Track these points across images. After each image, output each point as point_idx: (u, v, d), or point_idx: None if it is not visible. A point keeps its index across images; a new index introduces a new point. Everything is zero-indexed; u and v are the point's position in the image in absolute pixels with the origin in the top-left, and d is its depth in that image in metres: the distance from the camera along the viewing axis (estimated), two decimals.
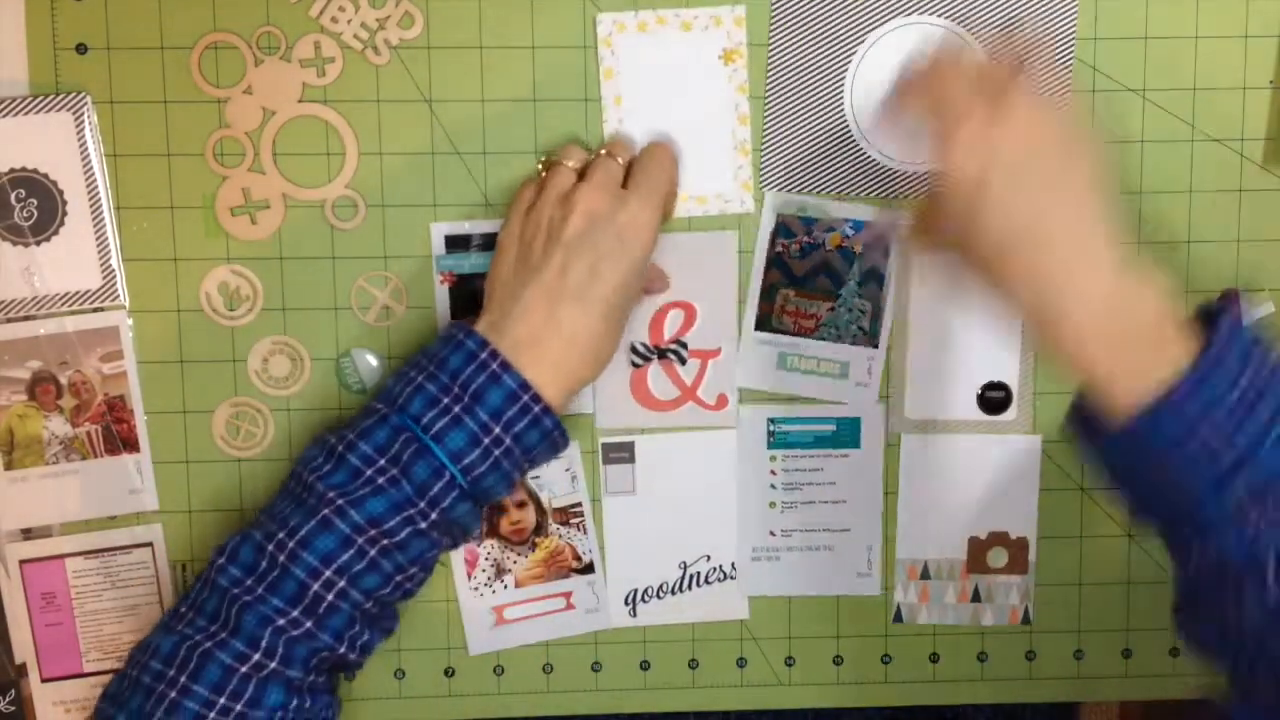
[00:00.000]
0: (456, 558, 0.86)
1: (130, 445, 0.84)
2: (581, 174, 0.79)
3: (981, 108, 0.69)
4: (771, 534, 0.87)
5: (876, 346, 0.86)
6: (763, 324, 0.85)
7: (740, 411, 0.86)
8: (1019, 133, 0.69)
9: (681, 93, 0.83)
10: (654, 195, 0.78)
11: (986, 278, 0.70)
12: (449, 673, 0.88)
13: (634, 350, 0.85)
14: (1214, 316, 0.67)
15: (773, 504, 0.87)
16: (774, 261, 0.85)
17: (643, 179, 0.79)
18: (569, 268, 0.75)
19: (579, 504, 0.86)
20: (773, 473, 0.87)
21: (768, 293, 0.85)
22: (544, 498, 0.86)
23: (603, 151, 0.80)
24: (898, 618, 0.88)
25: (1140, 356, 0.66)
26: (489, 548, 0.86)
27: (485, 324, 0.76)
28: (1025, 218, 0.68)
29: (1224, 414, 0.64)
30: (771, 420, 0.86)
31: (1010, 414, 0.86)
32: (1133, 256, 0.67)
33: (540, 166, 0.82)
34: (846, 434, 0.86)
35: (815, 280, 0.85)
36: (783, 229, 0.85)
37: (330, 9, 0.82)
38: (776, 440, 0.86)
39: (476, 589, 0.87)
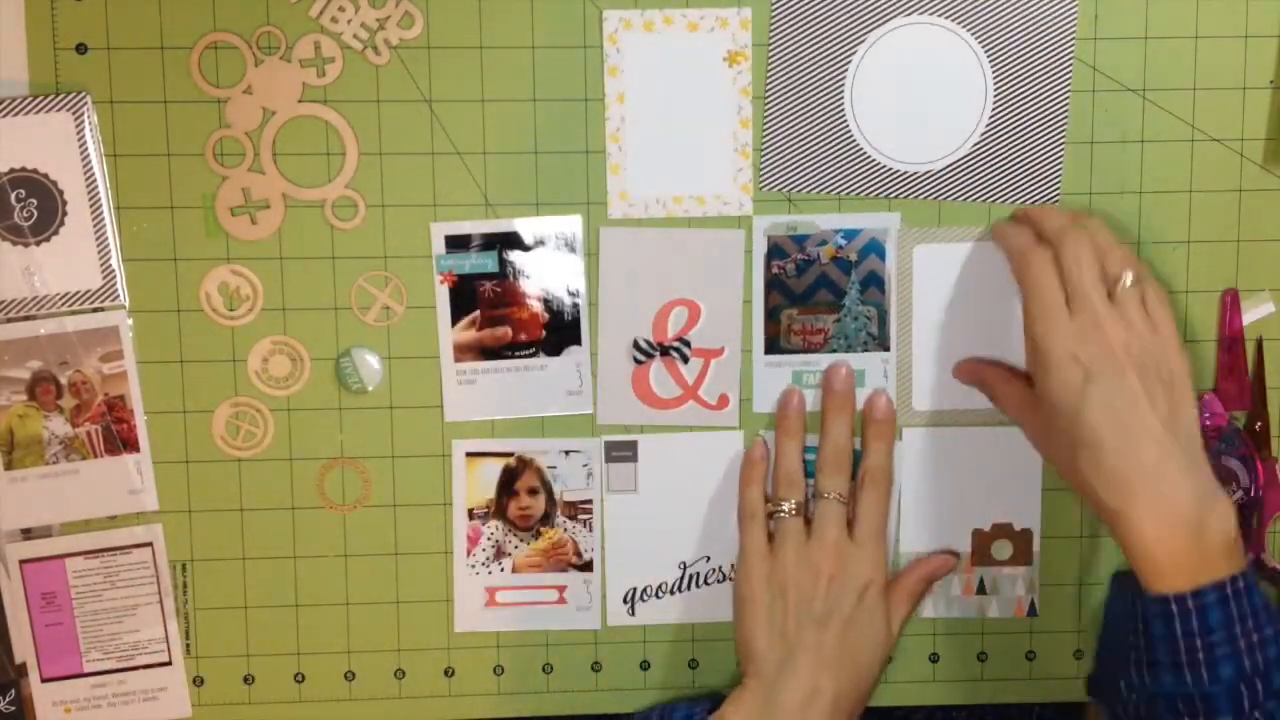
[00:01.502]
0: (459, 534, 0.86)
1: (130, 445, 0.84)
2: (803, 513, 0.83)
3: (1095, 296, 0.74)
4: None
5: (888, 349, 0.86)
6: (771, 347, 0.85)
7: (764, 435, 0.86)
8: (1130, 335, 0.74)
9: (685, 93, 0.83)
10: (881, 542, 0.83)
11: (1060, 465, 0.77)
12: (449, 673, 0.88)
13: (636, 347, 0.85)
14: None
15: None
16: (772, 284, 0.85)
17: (867, 523, 0.83)
18: (823, 642, 0.79)
19: (589, 501, 0.86)
20: None
21: (771, 315, 0.85)
22: (556, 489, 0.86)
23: (826, 494, 0.82)
24: None
25: (1199, 569, 0.71)
26: (493, 528, 0.86)
27: (755, 697, 0.80)
28: (1122, 427, 0.72)
29: (1261, 622, 0.72)
30: None
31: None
32: (1205, 477, 0.73)
33: (768, 509, 0.84)
34: None
35: (816, 295, 0.85)
36: (775, 250, 0.85)
37: (330, 9, 0.82)
38: None
39: (473, 566, 0.87)
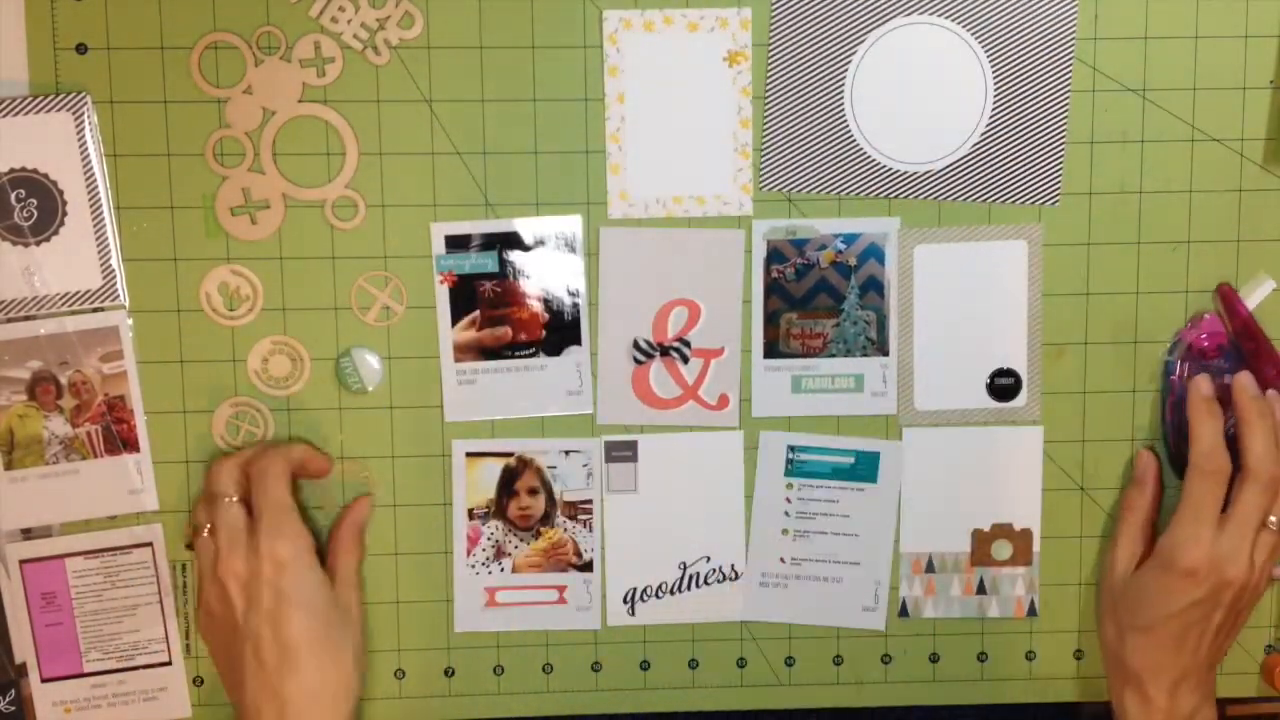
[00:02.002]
0: (459, 534, 0.86)
1: (130, 445, 0.84)
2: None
3: (1251, 526, 0.80)
4: (781, 560, 0.87)
5: (887, 354, 0.86)
6: (770, 351, 0.85)
7: (761, 436, 0.86)
8: (1248, 579, 0.80)
9: (685, 93, 0.83)
10: (279, 521, 0.78)
11: (1115, 616, 0.83)
12: (449, 673, 0.88)
13: (636, 347, 0.85)
14: None
15: (785, 530, 0.87)
16: (771, 288, 0.85)
17: (262, 507, 0.79)
18: (259, 649, 0.77)
19: (589, 501, 0.86)
20: (788, 500, 0.87)
21: (770, 319, 0.85)
22: (556, 489, 0.86)
23: (225, 498, 0.79)
24: (903, 612, 0.88)
25: None
26: (493, 528, 0.86)
27: None
28: (1184, 638, 0.80)
29: None
30: (791, 448, 0.86)
31: (1020, 400, 0.86)
32: (1207, 689, 0.82)
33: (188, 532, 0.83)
34: (864, 468, 0.86)
35: (815, 299, 0.85)
36: (775, 254, 0.85)
37: (330, 9, 0.82)
38: (794, 468, 0.87)
39: (473, 566, 0.87)
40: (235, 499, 0.80)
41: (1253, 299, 0.85)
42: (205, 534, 0.80)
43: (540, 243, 0.84)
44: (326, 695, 0.78)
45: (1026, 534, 0.87)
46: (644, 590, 0.88)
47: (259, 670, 0.77)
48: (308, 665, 0.77)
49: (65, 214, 0.82)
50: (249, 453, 0.82)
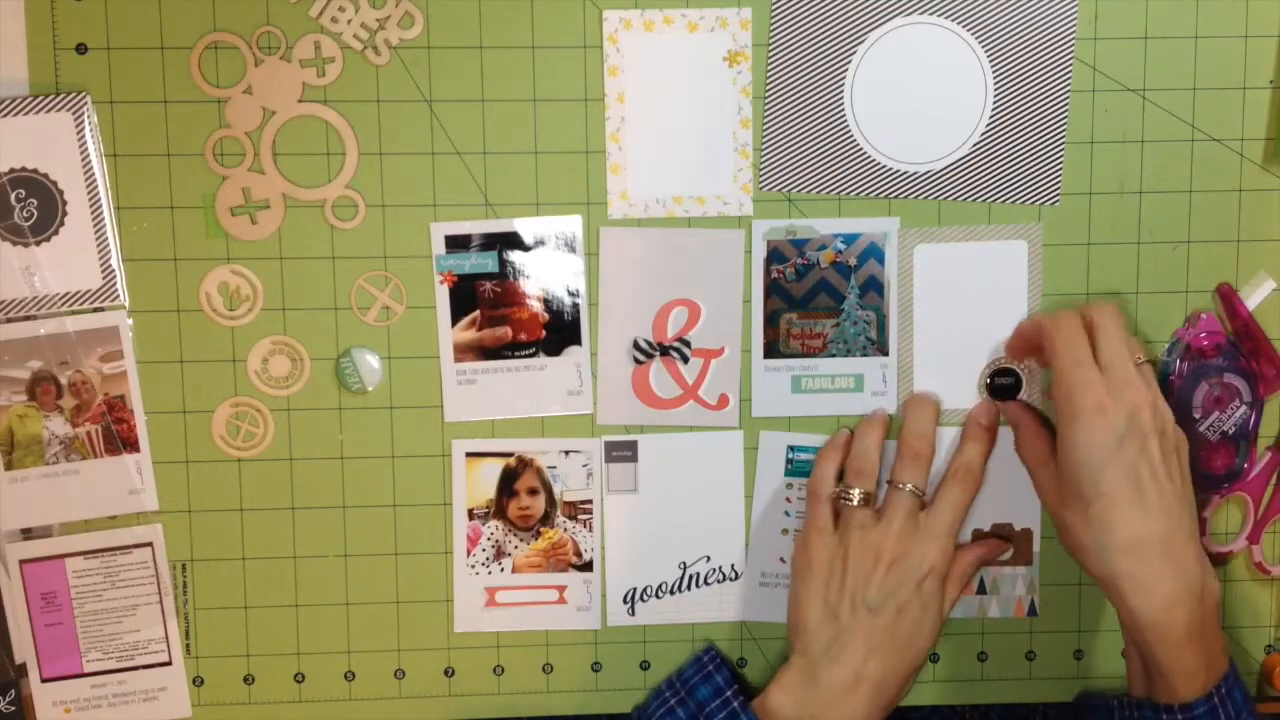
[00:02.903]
0: (459, 534, 0.86)
1: (130, 445, 0.84)
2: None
3: (1124, 358, 0.77)
4: (781, 560, 0.87)
5: (887, 354, 0.86)
6: (770, 351, 0.85)
7: (761, 436, 0.86)
8: (1154, 397, 0.77)
9: (685, 93, 0.83)
10: (952, 537, 0.82)
11: (1068, 524, 0.79)
12: (449, 673, 0.88)
13: (636, 347, 0.85)
14: None
15: (785, 530, 0.87)
16: (771, 288, 0.85)
17: (943, 516, 0.82)
18: (874, 627, 0.79)
19: (589, 501, 0.86)
20: (787, 499, 0.87)
21: (771, 319, 0.85)
22: (556, 489, 0.86)
23: (901, 485, 0.82)
24: None
25: (1201, 635, 0.75)
26: (493, 528, 0.86)
27: (800, 675, 0.80)
28: (1141, 489, 0.75)
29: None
30: (791, 448, 0.86)
31: (1020, 399, 0.86)
32: (1199, 546, 0.77)
33: (835, 493, 0.83)
34: None
35: (815, 299, 0.85)
36: (775, 255, 0.85)
37: (330, 9, 0.82)
38: (794, 468, 0.87)
39: (473, 566, 0.87)
40: (909, 488, 0.82)
41: (1253, 299, 0.85)
42: (857, 498, 0.82)
43: (540, 243, 0.84)
44: (887, 686, 0.80)
45: (1026, 534, 0.87)
46: (644, 590, 0.88)
47: (865, 629, 0.79)
48: (895, 660, 0.80)
49: (65, 214, 0.82)
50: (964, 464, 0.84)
